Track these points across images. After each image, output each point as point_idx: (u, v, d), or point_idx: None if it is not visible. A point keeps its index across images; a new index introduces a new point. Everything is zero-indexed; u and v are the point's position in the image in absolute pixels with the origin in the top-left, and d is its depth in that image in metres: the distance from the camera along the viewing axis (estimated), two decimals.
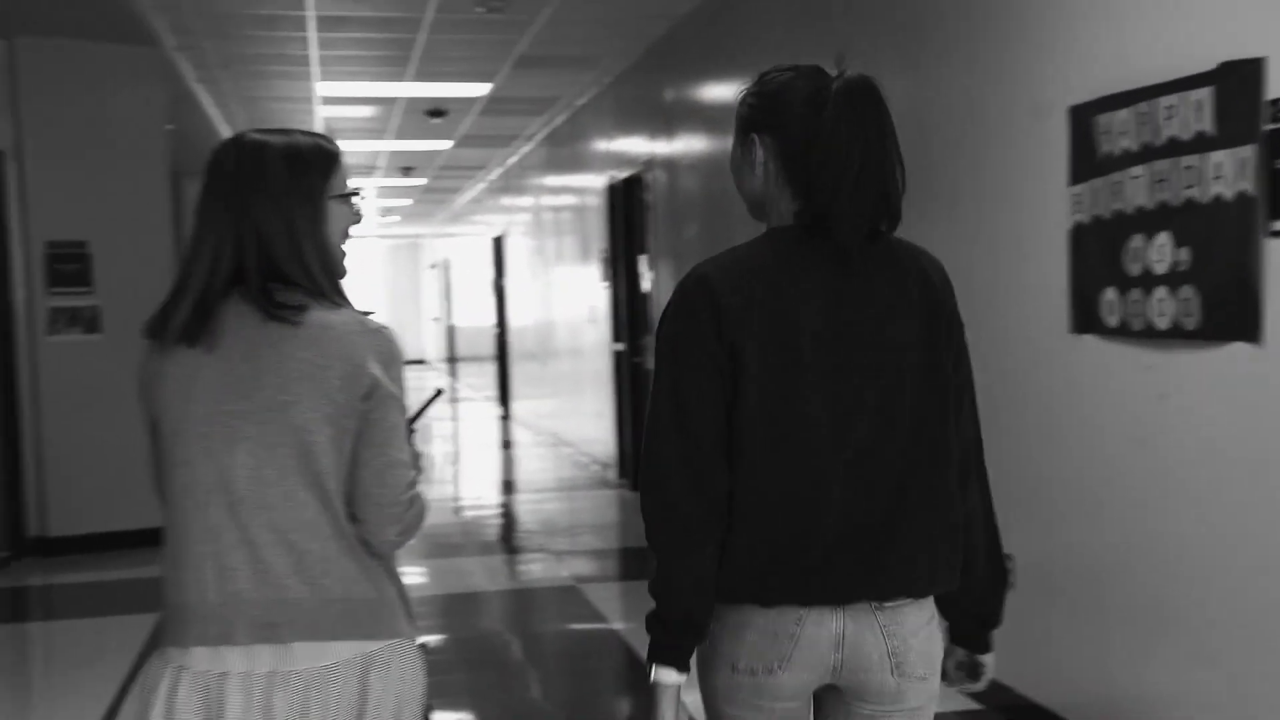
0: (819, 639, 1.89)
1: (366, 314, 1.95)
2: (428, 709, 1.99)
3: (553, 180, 12.54)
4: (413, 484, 1.95)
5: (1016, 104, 4.15)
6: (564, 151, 11.77)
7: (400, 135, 12.51)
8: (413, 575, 6.48)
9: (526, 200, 14.18)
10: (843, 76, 1.93)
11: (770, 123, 1.94)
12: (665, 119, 8.15)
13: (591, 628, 5.75)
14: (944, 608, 2.05)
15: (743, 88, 2.02)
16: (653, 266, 8.66)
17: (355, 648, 1.87)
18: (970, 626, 2.11)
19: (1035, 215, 4.05)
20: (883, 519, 1.88)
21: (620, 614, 5.77)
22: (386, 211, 22.21)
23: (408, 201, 20.08)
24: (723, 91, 6.84)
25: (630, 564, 7.07)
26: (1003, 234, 4.27)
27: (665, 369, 1.91)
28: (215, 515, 1.86)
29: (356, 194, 2.01)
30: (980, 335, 4.42)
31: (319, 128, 11.97)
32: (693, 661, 1.94)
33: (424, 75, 9.30)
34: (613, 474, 9.87)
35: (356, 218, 2.01)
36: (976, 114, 4.38)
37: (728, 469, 1.88)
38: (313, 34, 7.86)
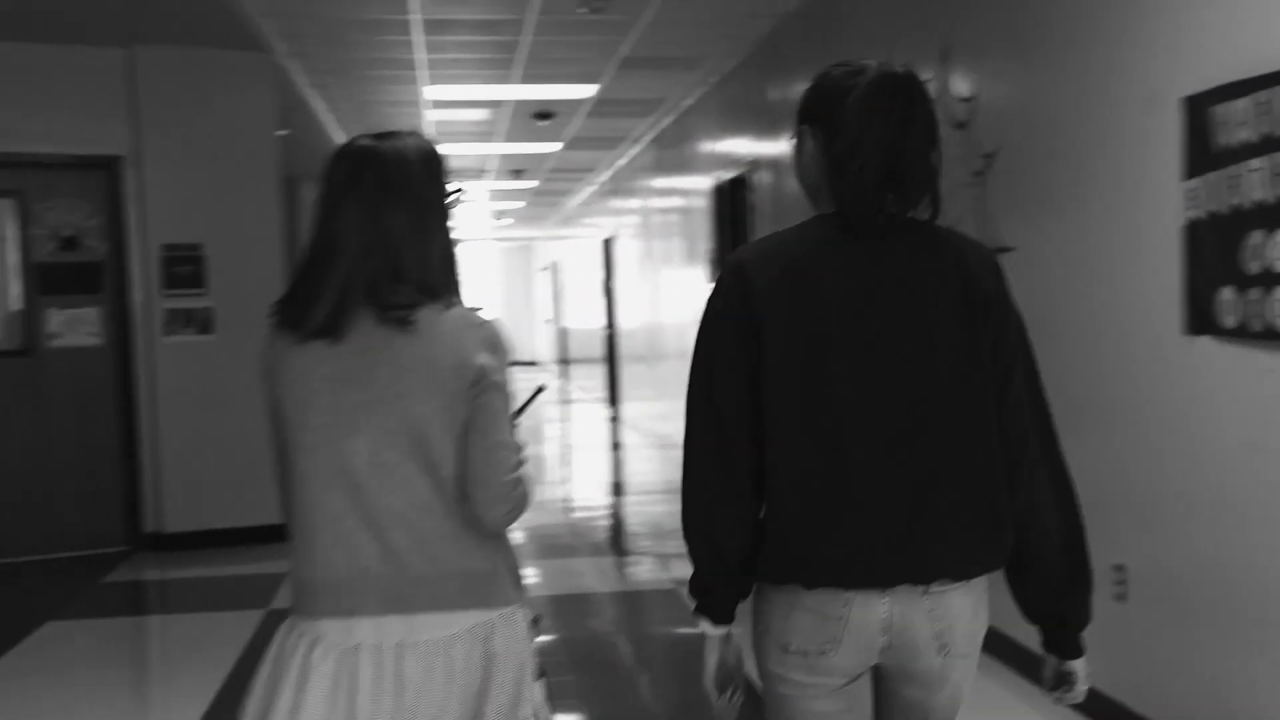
0: (867, 622, 1.92)
1: (475, 309, 2.07)
2: (541, 671, 2.14)
3: (660, 182, 12.51)
4: (518, 466, 2.06)
5: (1127, 96, 3.99)
6: (671, 153, 11.73)
7: (509, 138, 12.60)
8: (526, 576, 6.48)
9: (635, 202, 14.18)
10: (880, 68, 1.97)
11: (819, 115, 2.00)
12: (770, 119, 8.06)
13: (697, 632, 5.67)
14: (1027, 611, 2.06)
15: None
16: None
17: (475, 616, 2.02)
18: (1050, 627, 2.07)
19: (1146, 212, 3.89)
20: (915, 499, 1.90)
21: None
22: (499, 214, 22.42)
23: (519, 204, 20.23)
24: None
25: None
26: (1112, 232, 4.11)
27: (700, 344, 2.00)
28: (339, 498, 2.00)
29: (460, 194, 2.12)
30: (1089, 337, 4.29)
31: (429, 132, 12.11)
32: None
33: (530, 78, 9.34)
34: None
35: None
36: (1085, 107, 4.23)
37: (751, 442, 1.93)
38: (419, 38, 7.93)
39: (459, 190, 2.09)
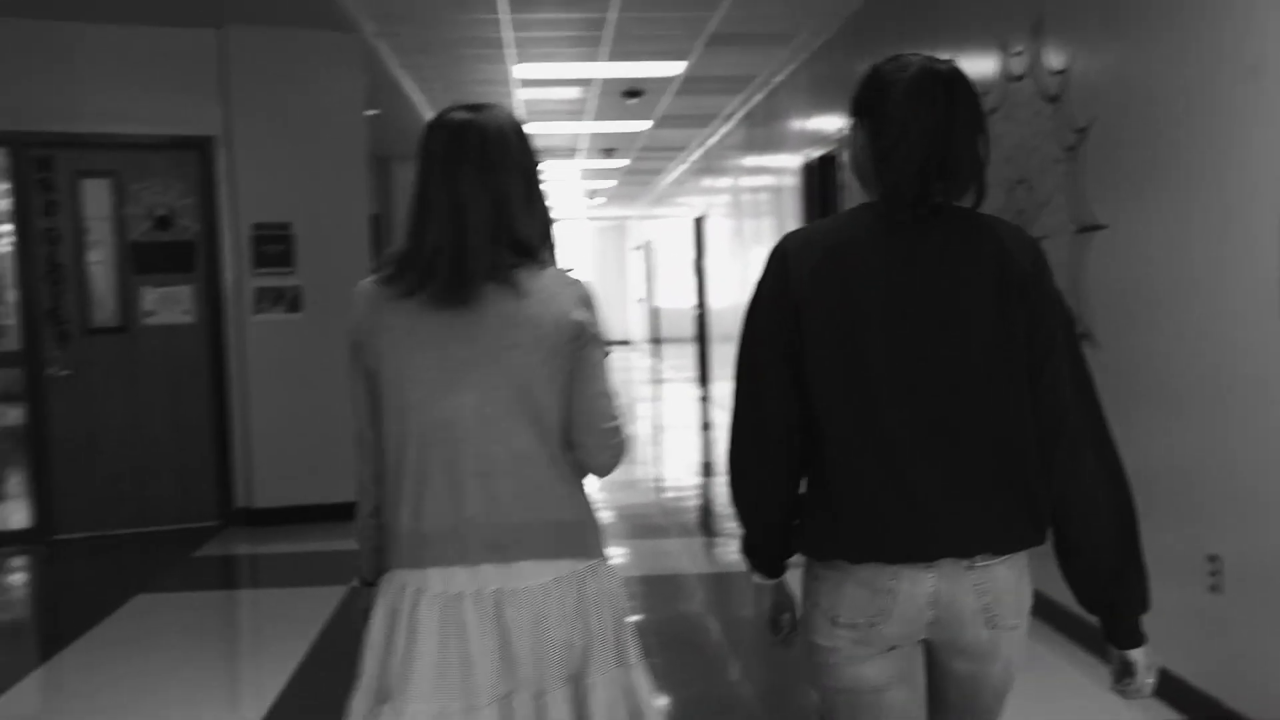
0: (915, 596, 1.97)
1: (566, 270, 2.18)
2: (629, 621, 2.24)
3: (750, 160, 12.38)
4: (618, 414, 2.20)
5: (1227, 67, 3.81)
6: (761, 131, 11.60)
7: (599, 116, 12.57)
8: (616, 555, 6.48)
9: (726, 181, 14.07)
10: (923, 61, 2.02)
11: (868, 108, 2.04)
12: None
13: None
14: (1080, 599, 2.07)
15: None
16: None
17: (570, 565, 2.13)
18: (1104, 615, 2.06)
19: (1248, 187, 3.71)
20: (953, 475, 1.96)
21: None
22: (592, 194, 22.44)
23: (611, 183, 20.22)
24: None
25: None
26: (1210, 208, 3.93)
27: (746, 324, 2.09)
28: (446, 451, 2.09)
29: (539, 164, 2.21)
30: (1187, 318, 4.12)
31: (519, 111, 12.12)
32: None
33: (618, 55, 9.28)
34: None
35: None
36: (1182, 79, 4.05)
37: (790, 416, 2.02)
38: (505, 15, 7.91)
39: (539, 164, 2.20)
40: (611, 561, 2.24)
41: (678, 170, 17.42)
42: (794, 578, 2.21)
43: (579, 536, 2.17)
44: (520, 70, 9.89)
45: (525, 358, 2.08)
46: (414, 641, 2.07)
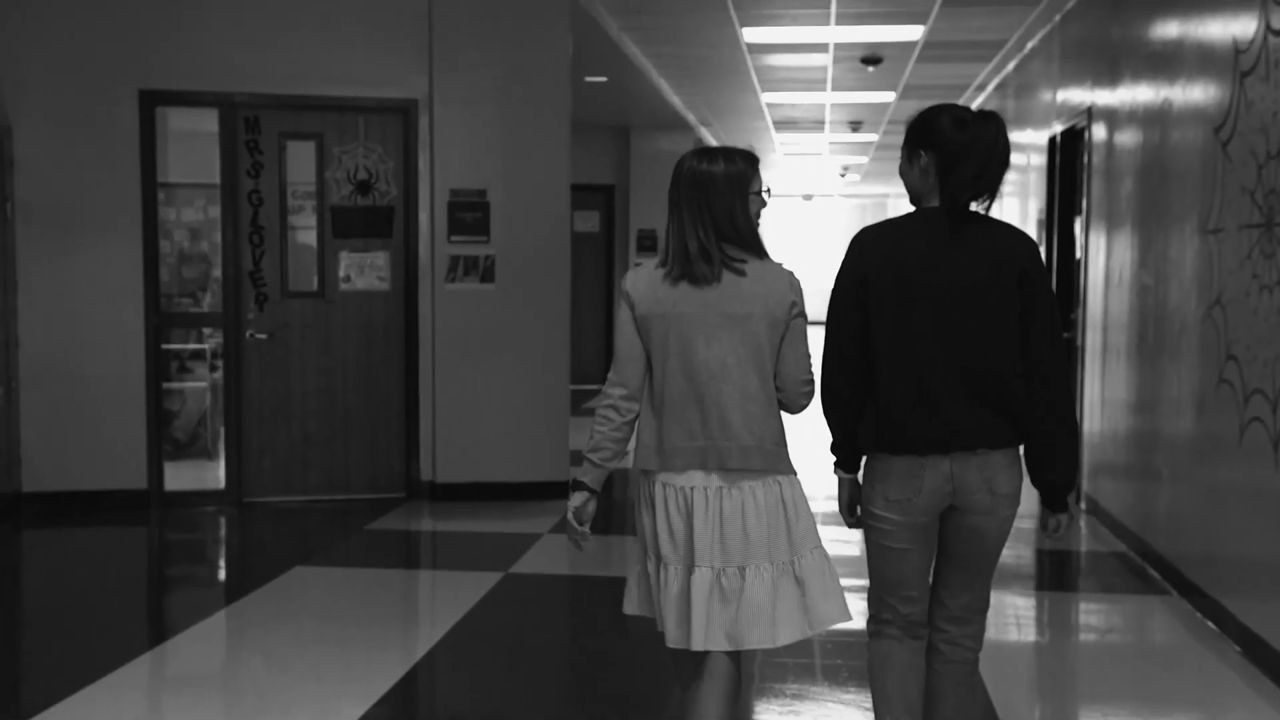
0: (938, 476, 2.92)
1: (780, 263, 3.02)
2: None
3: None
4: (811, 368, 3.03)
5: None
6: (1013, 103, 10.68)
7: (838, 86, 11.92)
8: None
9: None
10: (976, 112, 2.94)
11: (933, 142, 2.93)
12: (1110, 62, 7.03)
13: None
14: (1032, 478, 3.00)
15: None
16: (1085, 230, 7.56)
17: (773, 476, 2.96)
18: (1044, 489, 3.03)
19: None
20: (965, 397, 2.89)
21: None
22: (844, 170, 21.66)
23: (863, 159, 19.42)
24: (1176, 28, 5.72)
25: (1057, 572, 6.18)
26: None
27: (833, 292, 3.00)
28: (697, 387, 2.94)
29: (763, 190, 3.05)
30: None
31: (753, 78, 11.58)
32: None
33: (846, 18, 8.65)
34: None
35: (763, 204, 3.05)
36: None
37: (862, 356, 2.95)
38: None
39: (762, 189, 3.03)
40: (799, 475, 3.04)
41: None
42: None
43: (779, 457, 2.97)
44: (749, 34, 9.36)
45: (758, 324, 2.93)
46: (655, 516, 2.96)
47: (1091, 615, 5.53)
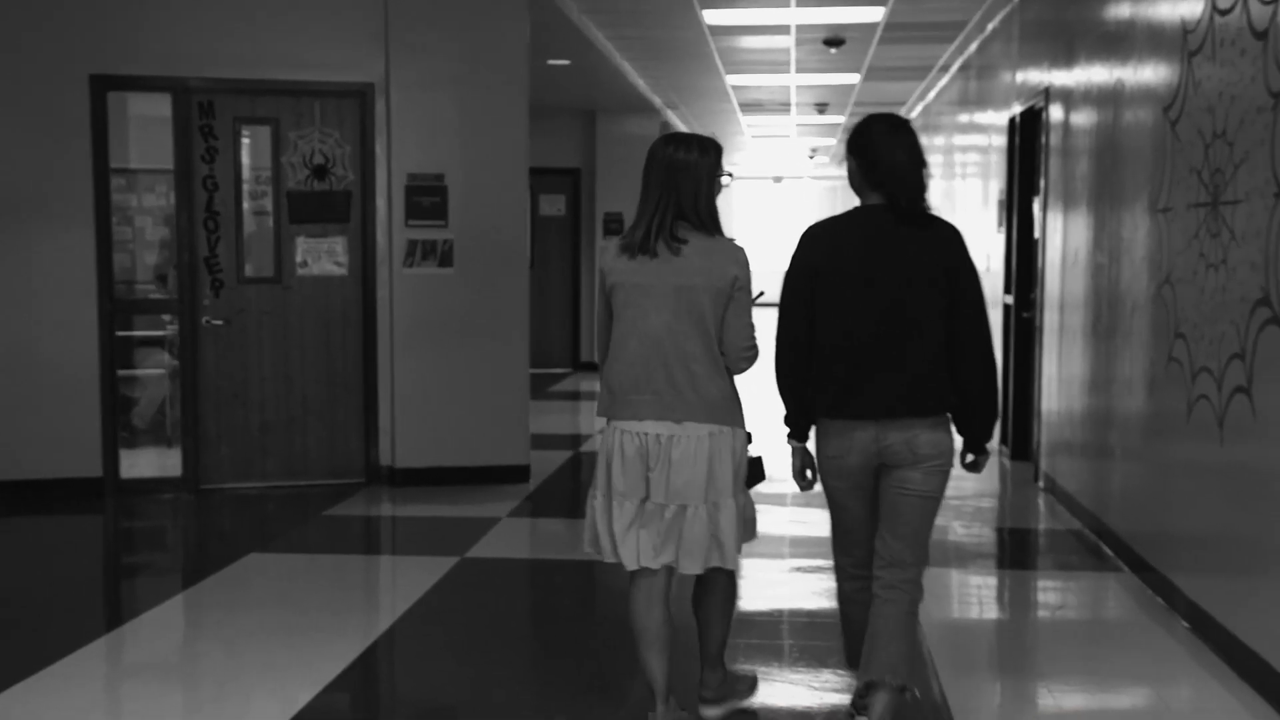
0: (866, 439, 3.39)
1: (731, 239, 3.48)
2: (758, 465, 3.58)
3: (963, 117, 11.48)
4: (752, 336, 3.49)
5: None
6: (973, 85, 10.70)
7: (802, 68, 11.91)
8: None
9: (940, 140, 13.16)
10: (891, 118, 3.49)
11: (860, 147, 3.44)
12: (1066, 43, 7.04)
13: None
14: (959, 430, 3.45)
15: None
16: (1043, 210, 7.58)
17: (714, 427, 3.42)
18: (967, 437, 3.48)
19: None
20: (892, 370, 3.34)
21: (980, 603, 5.00)
22: (812, 152, 21.66)
23: (831, 141, 19.42)
24: (1128, 8, 5.73)
25: (1014, 550, 6.21)
26: None
27: (785, 280, 3.45)
28: (647, 348, 3.41)
29: (724, 174, 3.53)
30: None
31: (716, 61, 11.55)
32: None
33: (808, 0, 8.63)
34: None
35: (722, 187, 3.52)
36: None
37: (809, 338, 3.42)
38: None
39: (723, 173, 3.50)
40: (743, 431, 3.52)
41: None
42: None
43: (725, 410, 3.44)
44: (709, 16, 9.33)
45: (701, 294, 3.38)
46: (613, 459, 3.45)
47: (1045, 593, 5.56)
